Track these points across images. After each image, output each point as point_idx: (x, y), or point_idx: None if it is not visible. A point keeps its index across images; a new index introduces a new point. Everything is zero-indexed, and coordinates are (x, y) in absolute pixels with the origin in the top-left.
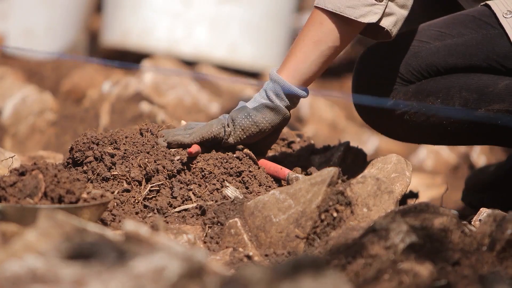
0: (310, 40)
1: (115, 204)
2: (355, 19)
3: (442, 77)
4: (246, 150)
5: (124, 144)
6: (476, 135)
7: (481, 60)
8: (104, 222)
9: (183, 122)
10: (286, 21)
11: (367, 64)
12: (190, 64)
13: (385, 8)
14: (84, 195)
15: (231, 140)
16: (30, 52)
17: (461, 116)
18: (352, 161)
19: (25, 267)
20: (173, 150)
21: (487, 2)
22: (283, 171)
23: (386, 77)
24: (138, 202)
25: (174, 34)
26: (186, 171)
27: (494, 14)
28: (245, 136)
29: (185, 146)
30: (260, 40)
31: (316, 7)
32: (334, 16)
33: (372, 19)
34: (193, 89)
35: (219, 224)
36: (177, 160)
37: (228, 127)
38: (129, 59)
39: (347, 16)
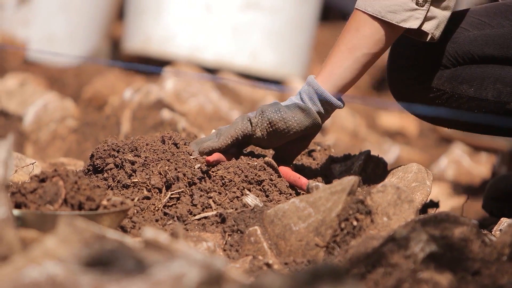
0: (345, 46)
1: (135, 211)
2: (397, 24)
3: (478, 66)
4: (267, 159)
5: (144, 151)
6: (505, 127)
7: None
8: (124, 229)
9: (213, 131)
10: (308, 29)
11: (404, 45)
12: (211, 71)
13: (427, 12)
14: (104, 202)
15: (258, 133)
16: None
17: (492, 108)
18: (373, 170)
19: (45, 274)
20: (193, 157)
21: None
22: (301, 181)
23: (421, 59)
24: (158, 209)
25: (196, 41)
26: (206, 178)
27: None
28: (271, 130)
29: (217, 150)
30: (282, 48)
31: (357, 9)
32: (375, 20)
33: (413, 24)
34: (214, 97)
35: (239, 232)
36: (197, 167)
37: (256, 118)
38: (151, 65)
39: (388, 20)
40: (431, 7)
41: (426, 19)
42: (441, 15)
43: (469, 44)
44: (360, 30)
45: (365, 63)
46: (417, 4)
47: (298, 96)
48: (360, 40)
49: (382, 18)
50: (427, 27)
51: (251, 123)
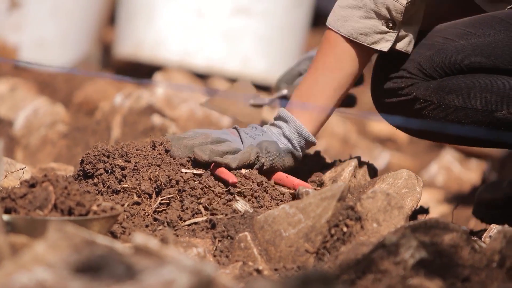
0: (323, 70)
1: (125, 216)
2: (368, 45)
3: (465, 76)
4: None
5: (135, 157)
6: (493, 137)
7: (506, 62)
8: (114, 235)
9: (198, 130)
10: (299, 35)
11: (388, 57)
12: (202, 77)
13: (398, 33)
14: (94, 208)
15: (257, 165)
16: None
17: (480, 117)
18: (363, 176)
19: (34, 279)
20: (183, 162)
21: None
22: (290, 180)
23: (407, 70)
24: (148, 215)
25: (187, 46)
26: (196, 184)
27: None
28: (268, 167)
29: (228, 168)
30: (273, 53)
31: (330, 29)
32: (347, 41)
33: (384, 46)
34: None
35: (229, 237)
36: (188, 173)
37: (263, 158)
38: (141, 71)
39: (359, 42)
40: (403, 26)
41: (398, 39)
42: (413, 30)
43: (456, 54)
44: (334, 51)
45: (344, 84)
46: (387, 27)
47: (286, 140)
48: (336, 61)
49: (354, 40)
50: (399, 46)
51: (258, 158)
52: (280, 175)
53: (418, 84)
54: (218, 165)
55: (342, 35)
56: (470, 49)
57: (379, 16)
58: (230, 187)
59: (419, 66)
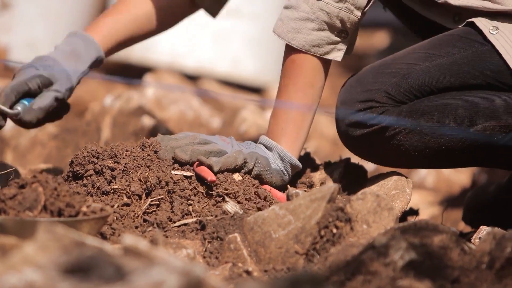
0: (295, 86)
1: (115, 218)
2: (320, 56)
3: (437, 96)
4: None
5: (124, 158)
6: (471, 155)
7: (475, 77)
8: (103, 236)
9: (189, 134)
10: None
11: (352, 91)
12: (192, 78)
13: (348, 40)
14: (84, 209)
15: (244, 171)
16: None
17: (457, 134)
18: (353, 178)
19: (23, 280)
20: (173, 163)
21: (470, 20)
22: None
23: (376, 100)
24: (138, 216)
25: (177, 48)
26: (186, 185)
27: (480, 31)
28: (254, 176)
29: (211, 170)
30: (263, 54)
31: (288, 44)
32: (301, 53)
33: (337, 56)
34: (195, 104)
35: (218, 239)
36: (178, 174)
37: (251, 165)
38: (131, 72)
39: (312, 53)
40: (351, 34)
41: (348, 48)
42: (355, 38)
43: (423, 76)
44: (296, 63)
45: (317, 96)
46: (340, 37)
47: (275, 162)
48: (302, 75)
49: (306, 52)
50: (350, 50)
51: (245, 164)
52: (264, 187)
53: (389, 111)
54: (201, 164)
55: (295, 48)
56: (436, 70)
57: (332, 27)
58: (213, 188)
59: (386, 94)
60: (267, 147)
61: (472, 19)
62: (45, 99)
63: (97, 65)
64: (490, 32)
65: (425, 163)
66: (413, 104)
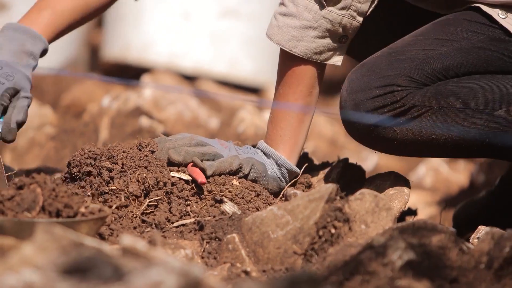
0: (293, 95)
1: (113, 218)
2: (321, 62)
3: (462, 79)
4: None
5: (121, 158)
6: (490, 142)
7: (498, 59)
8: (102, 237)
9: (187, 135)
10: None
11: (365, 79)
12: (190, 79)
13: (347, 44)
14: (82, 210)
15: (239, 176)
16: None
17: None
18: (351, 178)
19: (22, 281)
20: (167, 164)
21: (474, 5)
22: None
23: (397, 84)
24: (136, 217)
25: (175, 48)
26: (184, 186)
27: (488, 15)
28: (250, 180)
29: (204, 173)
30: (260, 55)
31: (284, 50)
32: (301, 60)
33: (337, 60)
34: (193, 104)
35: (217, 239)
36: (176, 177)
37: (246, 170)
38: (129, 73)
39: (313, 60)
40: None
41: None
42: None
43: (445, 60)
44: (296, 71)
45: (315, 102)
46: (340, 42)
47: (272, 168)
48: (302, 84)
49: (308, 59)
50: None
51: (241, 169)
52: (189, 168)
53: (413, 93)
54: (195, 165)
55: (296, 55)
56: (457, 54)
57: (333, 34)
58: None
59: (408, 78)
60: (265, 154)
61: (477, 4)
62: (20, 113)
63: (42, 55)
64: (499, 16)
65: (444, 150)
66: (438, 86)
